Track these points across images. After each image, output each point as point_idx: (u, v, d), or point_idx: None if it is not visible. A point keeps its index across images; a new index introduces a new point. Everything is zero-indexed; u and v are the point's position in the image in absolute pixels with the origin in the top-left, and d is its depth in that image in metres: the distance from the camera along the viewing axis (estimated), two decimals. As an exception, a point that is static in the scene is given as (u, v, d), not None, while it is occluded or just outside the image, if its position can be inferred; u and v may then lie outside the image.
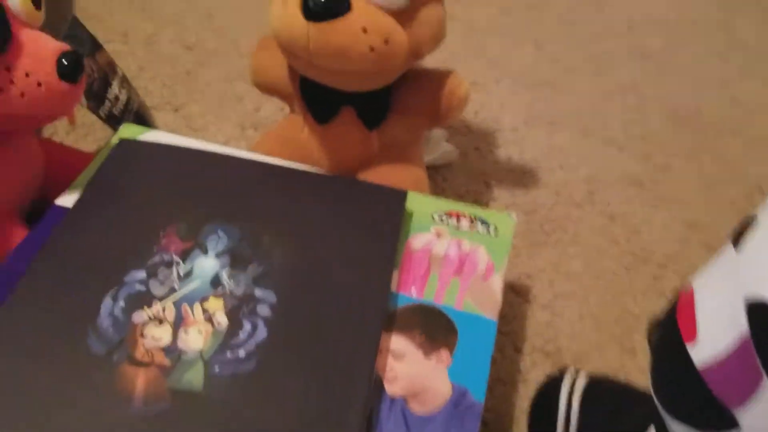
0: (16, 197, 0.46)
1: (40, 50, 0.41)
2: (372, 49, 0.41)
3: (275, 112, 0.62)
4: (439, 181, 0.55)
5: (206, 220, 0.40)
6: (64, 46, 0.42)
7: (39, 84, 0.40)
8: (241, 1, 0.76)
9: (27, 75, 0.40)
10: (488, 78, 0.67)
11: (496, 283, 0.39)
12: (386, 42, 0.41)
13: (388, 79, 0.45)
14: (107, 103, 0.54)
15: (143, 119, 0.57)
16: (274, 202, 0.42)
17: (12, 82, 0.40)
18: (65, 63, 0.41)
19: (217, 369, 0.34)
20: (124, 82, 0.57)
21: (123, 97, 0.55)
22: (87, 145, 0.57)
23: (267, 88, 0.51)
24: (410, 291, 0.38)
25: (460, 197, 0.53)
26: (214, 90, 0.64)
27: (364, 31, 0.41)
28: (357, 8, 0.41)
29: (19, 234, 0.43)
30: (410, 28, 0.43)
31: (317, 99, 0.48)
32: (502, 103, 0.65)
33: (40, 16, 0.44)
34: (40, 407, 0.32)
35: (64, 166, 0.49)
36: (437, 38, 0.44)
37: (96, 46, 0.55)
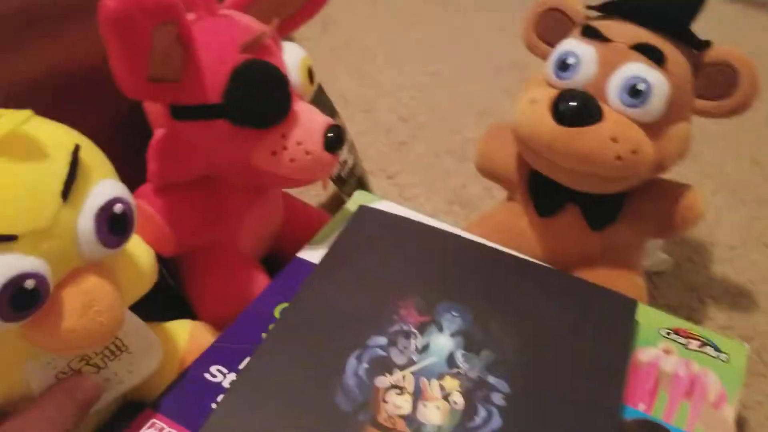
0: (261, 246, 0.51)
1: (311, 123, 0.46)
2: (619, 158, 0.43)
3: (481, 191, 0.65)
4: (651, 289, 0.55)
5: (441, 297, 0.43)
6: (330, 120, 0.47)
7: (307, 153, 0.45)
8: (450, 80, 0.80)
9: (298, 144, 0.45)
10: (703, 188, 0.67)
11: (729, 415, 0.39)
12: (634, 152, 0.43)
13: (627, 187, 0.46)
14: (337, 166, 0.59)
15: (363, 184, 0.62)
16: (502, 288, 0.44)
17: (285, 148, 0.44)
18: (331, 136, 0.46)
19: (454, 447, 0.36)
20: (352, 147, 0.62)
21: (350, 162, 0.60)
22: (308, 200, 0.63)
23: (491, 174, 0.54)
24: (638, 405, 0.39)
25: (672, 310, 0.53)
26: (425, 162, 0.68)
27: (614, 140, 0.43)
28: (609, 118, 0.43)
29: (261, 281, 0.48)
30: (658, 141, 0.44)
31: (544, 193, 0.50)
32: (718, 216, 0.64)
33: (311, 89, 0.49)
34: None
35: (296, 219, 0.54)
36: (682, 154, 0.46)
37: (334, 112, 0.61)
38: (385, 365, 0.39)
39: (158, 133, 0.45)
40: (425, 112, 0.74)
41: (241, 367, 0.40)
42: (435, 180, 0.66)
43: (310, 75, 0.48)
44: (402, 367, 0.39)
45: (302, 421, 0.36)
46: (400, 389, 0.38)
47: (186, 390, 0.39)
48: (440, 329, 0.41)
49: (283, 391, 0.37)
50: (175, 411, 0.38)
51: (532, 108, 0.45)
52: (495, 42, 0.90)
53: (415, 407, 0.37)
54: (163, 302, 0.43)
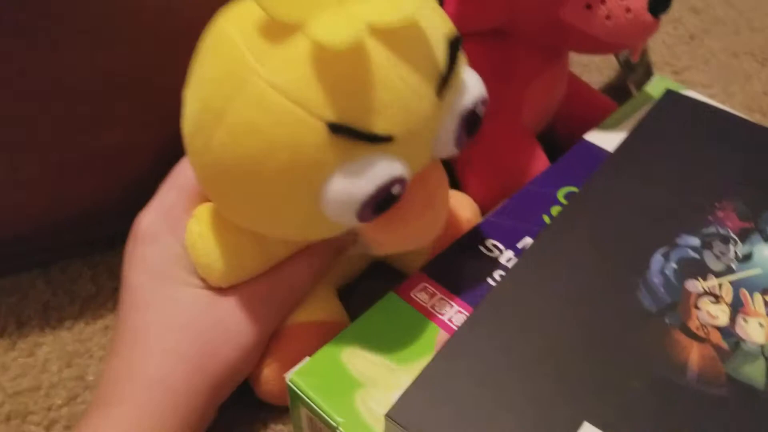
0: (541, 121, 0.46)
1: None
2: None
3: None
4: None
5: (766, 204, 0.36)
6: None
7: (627, 10, 0.38)
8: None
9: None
10: None
11: None
12: None
13: None
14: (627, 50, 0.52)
15: (650, 75, 0.54)
16: None
17: (603, 2, 0.38)
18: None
19: (783, 373, 0.30)
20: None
21: (642, 45, 0.53)
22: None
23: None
24: None
25: None
26: (719, 61, 0.58)
27: None
28: None
29: (541, 159, 0.43)
30: None
31: None
32: None
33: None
34: (585, 344, 0.31)
35: (577, 100, 0.48)
36: None
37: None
38: (697, 268, 0.33)
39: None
40: (721, 4, 0.63)
41: (519, 245, 0.36)
42: (731, 82, 0.56)
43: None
44: (718, 274, 0.33)
45: (596, 312, 0.31)
46: (716, 297, 0.32)
47: (461, 260, 0.36)
48: (766, 238, 0.34)
49: (573, 278, 0.33)
50: (448, 279, 0.35)
51: None
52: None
53: (733, 320, 0.31)
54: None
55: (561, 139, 0.47)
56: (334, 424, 0.30)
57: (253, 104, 0.27)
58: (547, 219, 0.37)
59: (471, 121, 0.30)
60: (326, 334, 0.34)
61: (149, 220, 0.35)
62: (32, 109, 0.37)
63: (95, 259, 0.45)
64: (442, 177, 0.32)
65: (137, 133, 0.40)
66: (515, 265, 0.34)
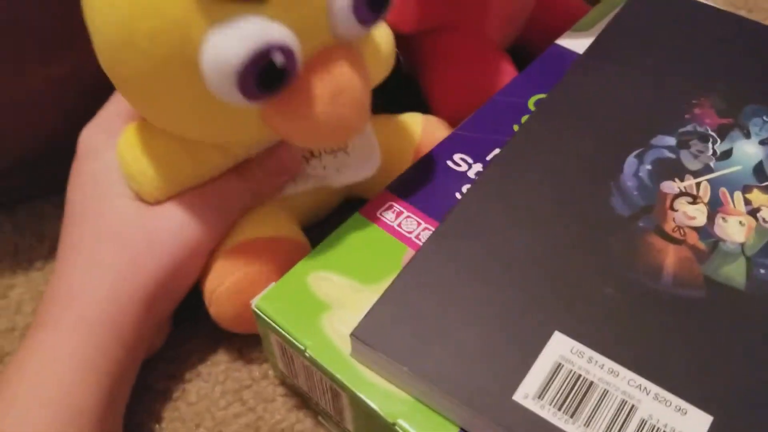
0: (509, 33, 0.44)
1: None
2: None
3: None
4: None
5: (747, 99, 0.34)
6: None
7: None
8: None
9: None
10: None
11: None
12: None
13: None
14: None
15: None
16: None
17: None
18: None
19: (762, 271, 0.28)
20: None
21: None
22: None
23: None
24: None
25: None
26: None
27: None
28: None
29: (509, 71, 0.41)
30: None
31: None
32: None
33: None
34: (554, 253, 0.29)
35: (549, 6, 0.46)
36: None
37: None
38: (673, 169, 0.32)
39: None
40: None
41: (489, 158, 0.35)
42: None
43: None
44: (696, 174, 0.31)
45: (566, 221, 0.30)
46: (693, 198, 0.31)
47: (427, 177, 0.34)
48: (746, 135, 0.33)
49: (542, 187, 0.31)
50: (415, 196, 0.34)
51: None
52: None
53: (711, 220, 0.30)
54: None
55: (534, 52, 0.45)
56: (301, 347, 0.29)
57: None
58: (517, 129, 0.36)
59: (375, 4, 0.28)
60: (276, 251, 0.33)
61: (87, 134, 0.35)
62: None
63: (61, 198, 0.43)
64: (354, 60, 0.29)
65: (76, 62, 0.38)
66: (481, 176, 0.32)
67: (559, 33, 0.42)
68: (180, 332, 0.37)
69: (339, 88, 0.28)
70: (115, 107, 0.35)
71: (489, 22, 0.41)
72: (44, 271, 0.41)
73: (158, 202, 0.33)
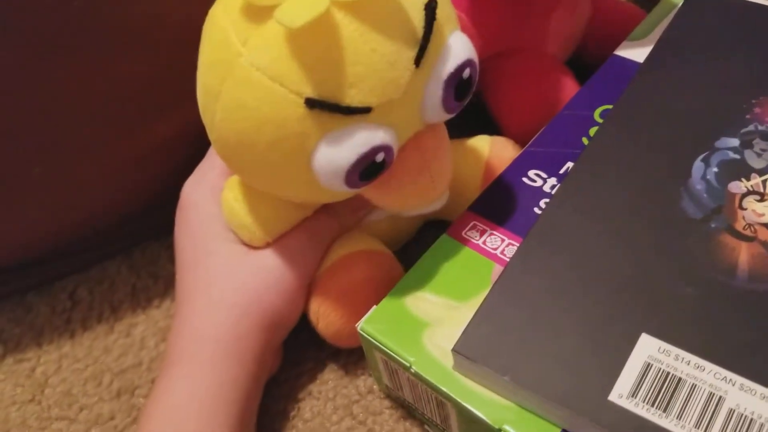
0: (568, 48, 0.46)
1: None
2: None
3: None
4: None
5: (807, 92, 0.35)
6: None
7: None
8: None
9: None
10: None
11: None
12: None
13: None
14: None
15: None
16: None
17: None
18: None
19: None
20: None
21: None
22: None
23: None
24: None
25: None
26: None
27: None
28: None
29: (571, 86, 0.43)
30: None
31: None
32: None
33: None
34: (634, 260, 0.32)
35: (605, 15, 0.48)
36: None
37: None
38: (739, 169, 0.33)
39: None
40: None
41: (562, 171, 0.37)
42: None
43: None
44: (761, 172, 0.33)
45: (642, 226, 0.32)
46: (760, 195, 0.32)
47: (506, 195, 0.37)
48: (808, 128, 0.34)
49: (616, 196, 0.34)
50: (496, 214, 0.36)
51: None
52: None
53: (780, 216, 0.32)
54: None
55: (595, 60, 0.47)
56: (407, 363, 0.32)
57: (240, 84, 0.29)
58: (586, 141, 0.38)
59: (459, 86, 0.31)
60: (369, 261, 0.37)
61: (189, 188, 0.39)
62: (87, 111, 0.40)
63: (169, 239, 0.48)
64: (440, 140, 0.33)
65: (183, 123, 0.43)
66: (558, 191, 0.35)
67: (616, 40, 0.44)
68: (287, 355, 0.41)
69: (427, 164, 0.32)
70: (211, 163, 0.39)
71: (549, 42, 0.44)
72: (162, 308, 0.45)
73: (267, 245, 0.36)
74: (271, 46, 0.28)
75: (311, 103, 0.28)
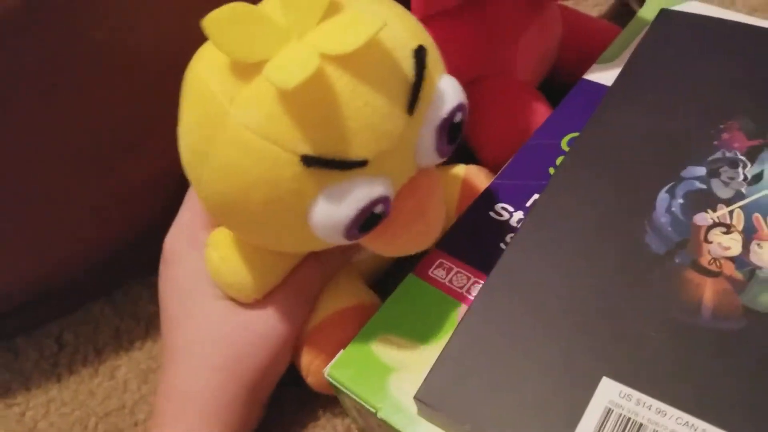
0: (540, 71, 0.45)
1: None
2: None
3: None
4: None
5: (776, 115, 0.34)
6: None
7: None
8: None
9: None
10: None
11: None
12: None
13: None
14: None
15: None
16: None
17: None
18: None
19: (800, 296, 0.29)
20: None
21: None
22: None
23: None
24: None
25: None
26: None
27: None
28: None
29: (543, 111, 0.43)
30: None
31: None
32: None
33: None
34: (595, 299, 0.31)
35: (577, 35, 0.47)
36: None
37: None
38: (705, 200, 0.33)
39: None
40: None
41: (528, 204, 0.37)
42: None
43: None
44: (728, 202, 0.32)
45: (605, 263, 0.32)
46: (727, 227, 0.32)
47: (473, 230, 0.37)
48: (777, 155, 0.33)
49: (579, 230, 0.33)
50: (463, 251, 0.36)
51: None
52: None
53: (746, 248, 0.31)
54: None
55: (571, 79, 0.46)
56: (373, 410, 0.32)
57: (230, 145, 0.28)
58: (552, 171, 0.38)
59: (450, 130, 0.31)
60: (358, 317, 0.36)
61: (170, 241, 0.39)
62: (67, 152, 0.40)
63: (151, 279, 0.48)
64: (432, 184, 0.32)
65: (165, 161, 0.43)
66: (521, 227, 0.34)
67: (588, 58, 0.43)
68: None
69: (422, 210, 0.32)
70: (191, 215, 0.39)
71: (518, 68, 0.43)
72: (143, 350, 0.45)
73: (255, 301, 0.36)
74: (261, 105, 0.28)
75: (308, 161, 0.28)
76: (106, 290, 0.48)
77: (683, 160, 0.34)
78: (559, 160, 0.38)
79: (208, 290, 0.36)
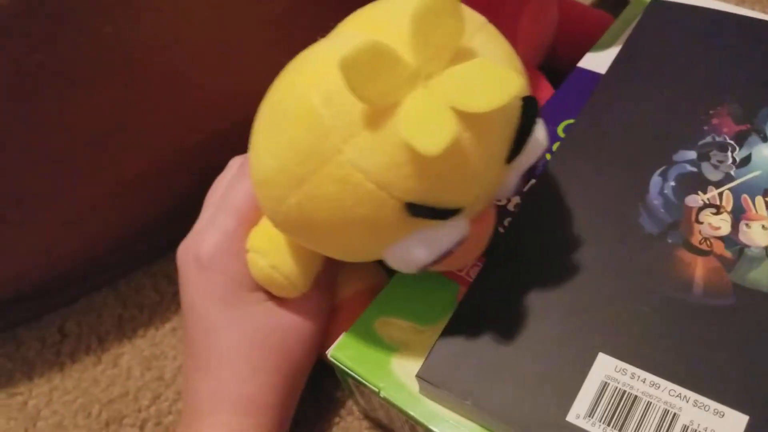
0: (538, 55, 0.46)
1: None
2: None
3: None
4: None
5: (763, 102, 0.36)
6: None
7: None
8: None
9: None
10: None
11: None
12: None
13: None
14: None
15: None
16: None
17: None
18: None
19: (789, 273, 0.30)
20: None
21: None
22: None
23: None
24: None
25: None
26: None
27: None
28: None
29: (545, 91, 0.44)
30: None
31: None
32: None
33: None
34: (592, 278, 0.32)
35: (572, 24, 0.48)
36: None
37: None
38: (696, 182, 0.34)
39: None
40: None
41: (525, 189, 0.38)
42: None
43: None
44: (717, 184, 0.33)
45: (601, 244, 0.33)
46: (717, 208, 0.33)
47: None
48: (764, 139, 0.34)
49: (576, 213, 0.34)
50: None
51: None
52: None
53: (735, 228, 0.32)
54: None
55: (564, 67, 0.47)
56: (375, 389, 0.33)
57: (334, 182, 0.27)
58: (549, 157, 0.39)
59: (530, 170, 0.31)
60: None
61: (212, 247, 0.36)
62: (67, 145, 0.41)
63: (153, 268, 0.49)
64: (494, 213, 0.32)
65: (166, 152, 0.44)
66: (519, 210, 0.35)
67: (581, 45, 0.44)
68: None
69: (483, 239, 0.32)
70: (236, 222, 0.36)
71: (519, 44, 0.43)
72: (146, 338, 0.46)
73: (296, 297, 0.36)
74: (380, 151, 0.26)
75: (413, 209, 0.27)
76: (110, 281, 0.49)
77: (675, 145, 0.35)
78: (555, 147, 0.39)
79: (251, 296, 0.36)
